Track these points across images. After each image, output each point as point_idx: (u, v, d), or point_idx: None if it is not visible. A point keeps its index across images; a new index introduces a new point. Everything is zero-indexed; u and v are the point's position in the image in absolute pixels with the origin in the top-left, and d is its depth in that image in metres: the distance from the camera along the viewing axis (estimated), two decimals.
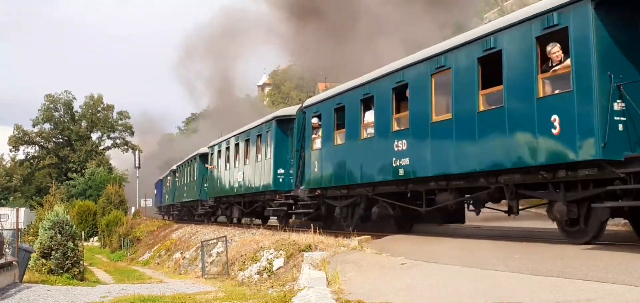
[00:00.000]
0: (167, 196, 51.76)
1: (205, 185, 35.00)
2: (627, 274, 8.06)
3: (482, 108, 12.69)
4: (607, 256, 9.85)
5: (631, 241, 11.81)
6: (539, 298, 7.38)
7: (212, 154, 33.26)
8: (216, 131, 53.52)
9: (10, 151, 78.49)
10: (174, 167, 48.14)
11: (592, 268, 8.76)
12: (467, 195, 14.42)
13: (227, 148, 30.14)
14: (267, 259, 15.55)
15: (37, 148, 78.21)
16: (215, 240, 22.29)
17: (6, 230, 26.52)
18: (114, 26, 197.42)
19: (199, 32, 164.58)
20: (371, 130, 16.87)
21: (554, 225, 14.00)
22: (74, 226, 21.14)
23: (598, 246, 11.11)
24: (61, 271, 19.05)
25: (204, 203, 35.63)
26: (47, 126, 77.41)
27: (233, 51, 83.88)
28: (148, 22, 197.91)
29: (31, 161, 78.26)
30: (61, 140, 77.94)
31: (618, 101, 10.28)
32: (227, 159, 30.02)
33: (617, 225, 15.15)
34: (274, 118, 23.72)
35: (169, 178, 51.16)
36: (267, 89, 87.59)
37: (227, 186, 29.59)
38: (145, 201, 49.39)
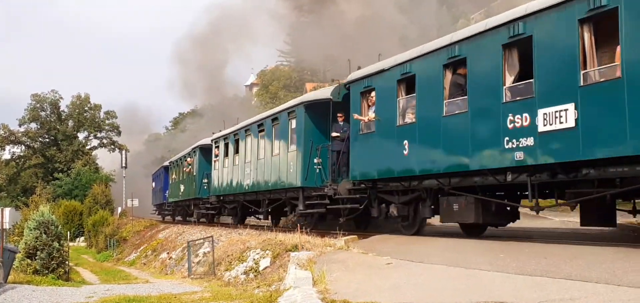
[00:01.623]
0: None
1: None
2: (610, 273, 8.13)
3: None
4: (591, 255, 9.93)
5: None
6: (523, 297, 7.42)
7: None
8: (205, 130, 53.36)
9: None
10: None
11: (575, 267, 8.83)
12: None
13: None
14: (254, 259, 15.55)
15: (23, 147, 77.71)
16: (201, 240, 22.26)
17: None
18: (102, 25, 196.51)
19: (187, 30, 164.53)
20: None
21: (542, 224, 14.16)
22: (60, 227, 21.04)
23: (582, 244, 11.19)
24: (46, 271, 18.95)
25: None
26: (33, 125, 76.97)
27: (222, 50, 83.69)
28: (137, 21, 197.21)
29: (17, 160, 77.72)
30: (47, 140, 77.46)
31: None
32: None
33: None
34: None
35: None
36: (255, 89, 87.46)
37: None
38: (132, 201, 49.04)
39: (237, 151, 26.59)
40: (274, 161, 21.84)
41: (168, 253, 27.00)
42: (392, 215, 16.06)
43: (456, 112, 13.37)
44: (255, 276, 14.63)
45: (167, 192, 44.87)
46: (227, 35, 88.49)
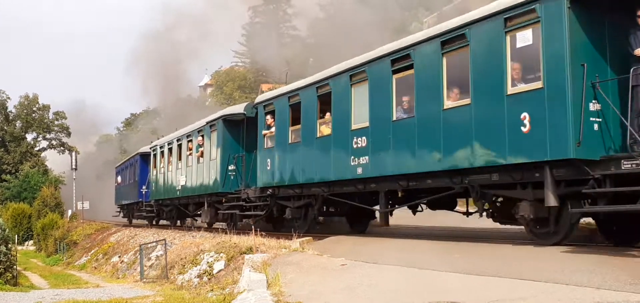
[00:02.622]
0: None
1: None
2: (559, 272, 8.30)
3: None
4: (542, 255, 10.13)
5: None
6: (475, 296, 7.53)
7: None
8: (162, 131, 52.49)
9: None
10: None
11: (526, 267, 8.99)
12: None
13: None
14: (208, 262, 15.38)
15: None
16: (154, 243, 21.94)
17: None
18: (51, 24, 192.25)
19: (141, 28, 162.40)
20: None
21: (489, 224, 14.39)
22: (7, 230, 20.52)
23: (534, 245, 11.41)
24: None
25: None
26: None
27: (176, 48, 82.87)
28: (87, 19, 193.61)
29: None
30: None
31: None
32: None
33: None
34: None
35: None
36: (209, 90, 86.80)
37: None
38: (83, 203, 48.03)
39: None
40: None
41: (120, 256, 26.55)
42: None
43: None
44: (209, 279, 14.47)
45: (144, 187, 35.54)
46: (181, 33, 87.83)
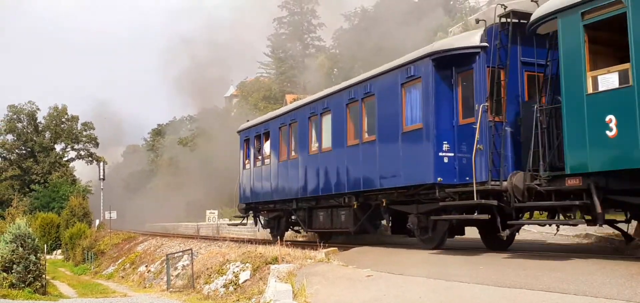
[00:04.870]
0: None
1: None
2: (588, 285, 8.19)
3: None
4: (569, 267, 10.03)
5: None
6: None
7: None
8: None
9: None
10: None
11: (554, 279, 8.90)
12: None
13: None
14: (234, 272, 15.45)
15: (0, 159, 76.74)
16: (180, 253, 22.09)
17: None
18: (79, 37, 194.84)
19: (167, 41, 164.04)
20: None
21: (518, 236, 14.44)
22: (36, 239, 20.80)
23: (560, 257, 11.29)
24: (23, 285, 18.70)
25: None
26: (10, 137, 76.02)
27: (209, 59, 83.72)
28: (110, 29, 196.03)
29: None
30: (24, 151, 76.51)
31: None
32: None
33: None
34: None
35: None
36: (234, 101, 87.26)
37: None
38: (110, 213, 48.45)
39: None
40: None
41: (146, 266, 26.76)
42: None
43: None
44: (235, 289, 14.54)
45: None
46: (212, 46, 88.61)
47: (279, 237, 21.84)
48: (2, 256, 19.12)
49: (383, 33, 54.51)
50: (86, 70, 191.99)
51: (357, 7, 70.88)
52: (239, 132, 25.62)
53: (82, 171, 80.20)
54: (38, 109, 76.98)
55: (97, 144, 79.74)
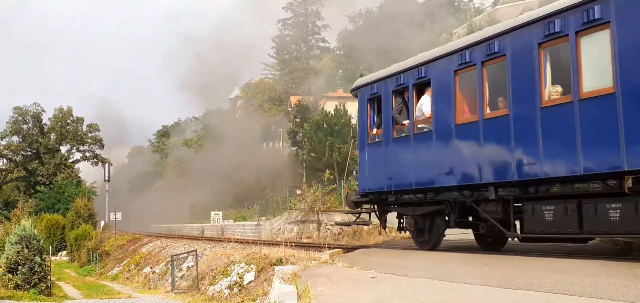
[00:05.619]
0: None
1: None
2: (593, 287, 8.17)
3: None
4: (574, 268, 9.99)
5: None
6: None
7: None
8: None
9: None
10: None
11: (558, 281, 8.87)
12: None
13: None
14: (238, 273, 15.47)
15: (5, 160, 77.00)
16: (185, 254, 22.12)
17: None
18: (85, 38, 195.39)
19: (175, 44, 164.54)
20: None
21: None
22: (42, 241, 20.85)
23: (565, 258, 11.26)
24: (28, 286, 18.75)
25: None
26: (15, 139, 76.33)
27: (219, 62, 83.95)
28: (115, 34, 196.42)
29: None
30: (30, 153, 76.81)
31: None
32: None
33: None
34: None
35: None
36: (239, 102, 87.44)
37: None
38: (115, 214, 48.55)
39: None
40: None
41: (151, 267, 26.81)
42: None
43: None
44: (239, 290, 14.55)
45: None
46: (217, 47, 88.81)
47: (433, 245, 14.96)
48: (7, 258, 19.18)
49: (389, 34, 54.55)
50: (91, 72, 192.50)
51: (361, 9, 71.05)
52: (356, 89, 16.27)
53: (88, 172, 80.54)
54: (43, 110, 77.29)
55: (102, 146, 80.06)
